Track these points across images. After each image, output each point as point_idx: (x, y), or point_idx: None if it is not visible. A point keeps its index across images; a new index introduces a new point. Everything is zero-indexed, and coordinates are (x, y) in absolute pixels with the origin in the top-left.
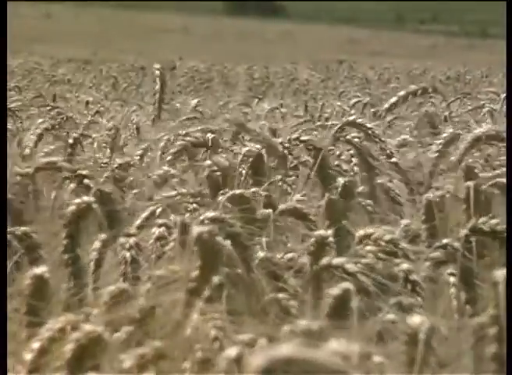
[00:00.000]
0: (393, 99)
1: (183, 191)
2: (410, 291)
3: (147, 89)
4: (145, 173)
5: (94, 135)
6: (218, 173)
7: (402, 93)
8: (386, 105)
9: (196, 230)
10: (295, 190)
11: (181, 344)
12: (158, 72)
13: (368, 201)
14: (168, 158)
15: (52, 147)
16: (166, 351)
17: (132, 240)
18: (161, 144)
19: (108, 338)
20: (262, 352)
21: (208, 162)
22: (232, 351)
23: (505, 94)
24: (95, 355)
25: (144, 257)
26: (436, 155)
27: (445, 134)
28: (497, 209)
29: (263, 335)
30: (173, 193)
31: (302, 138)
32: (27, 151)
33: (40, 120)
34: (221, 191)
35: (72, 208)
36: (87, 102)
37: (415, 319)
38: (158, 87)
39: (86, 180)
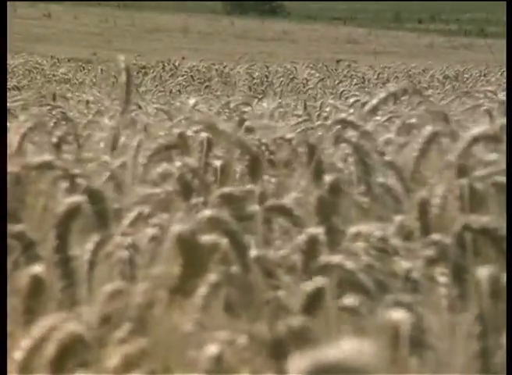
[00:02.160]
0: (374, 101)
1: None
2: (402, 288)
3: (147, 88)
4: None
5: (94, 134)
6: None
7: (382, 94)
8: (368, 108)
9: (176, 228)
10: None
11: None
12: (123, 64)
13: (364, 199)
14: (144, 161)
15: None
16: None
17: (129, 239)
18: (135, 145)
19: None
20: (307, 355)
21: (179, 163)
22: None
23: (503, 93)
24: (81, 354)
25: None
26: (418, 153)
27: (426, 132)
28: (491, 207)
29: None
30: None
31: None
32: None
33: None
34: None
35: (62, 208)
36: (87, 102)
37: (397, 315)
38: (124, 79)
39: (78, 179)
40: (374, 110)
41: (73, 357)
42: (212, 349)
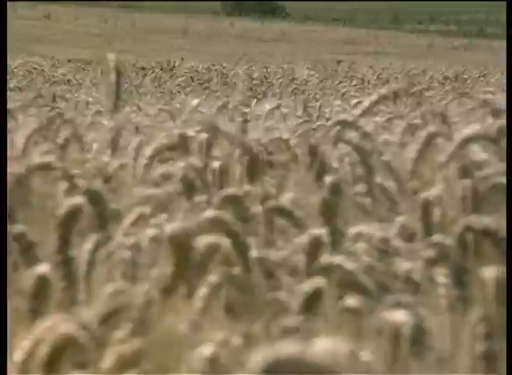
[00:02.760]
0: (366, 104)
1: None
2: (403, 289)
3: (148, 89)
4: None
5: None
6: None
7: (374, 97)
8: (359, 111)
9: (169, 228)
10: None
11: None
12: (112, 63)
13: (365, 199)
14: (144, 162)
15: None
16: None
17: (131, 239)
18: (135, 146)
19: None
20: (261, 351)
21: (182, 163)
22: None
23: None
24: (79, 355)
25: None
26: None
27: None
28: (493, 208)
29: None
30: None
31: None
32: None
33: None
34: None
35: (63, 209)
36: (87, 102)
37: (398, 316)
38: (113, 77)
39: (77, 180)
40: (374, 111)
41: (72, 358)
42: (208, 350)
